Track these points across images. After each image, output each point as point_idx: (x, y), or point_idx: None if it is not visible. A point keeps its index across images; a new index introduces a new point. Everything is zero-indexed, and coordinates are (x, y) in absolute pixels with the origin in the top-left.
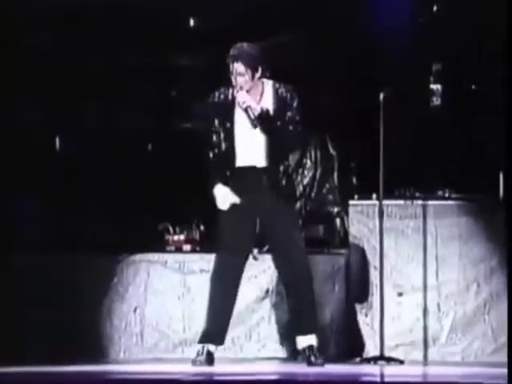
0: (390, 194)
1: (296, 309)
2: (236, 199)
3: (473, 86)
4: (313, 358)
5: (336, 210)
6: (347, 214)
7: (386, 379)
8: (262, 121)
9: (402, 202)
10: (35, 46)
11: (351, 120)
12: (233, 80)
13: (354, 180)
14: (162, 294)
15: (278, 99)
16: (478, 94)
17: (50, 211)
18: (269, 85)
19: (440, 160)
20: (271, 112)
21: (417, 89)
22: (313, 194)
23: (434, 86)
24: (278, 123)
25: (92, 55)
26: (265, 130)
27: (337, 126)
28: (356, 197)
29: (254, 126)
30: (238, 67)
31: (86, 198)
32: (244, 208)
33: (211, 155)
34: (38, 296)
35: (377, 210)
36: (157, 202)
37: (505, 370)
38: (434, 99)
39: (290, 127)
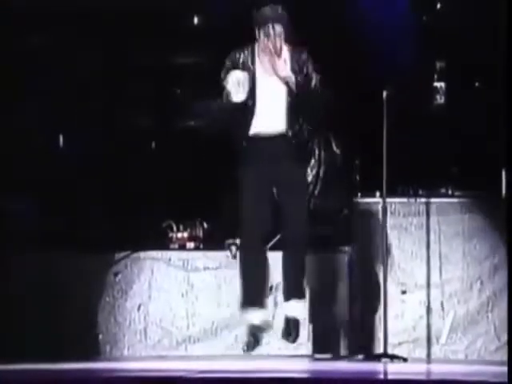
0: (393, 192)
1: (288, 271)
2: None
3: (476, 84)
4: (292, 334)
5: (340, 207)
6: (351, 211)
7: (390, 376)
8: (300, 90)
9: (405, 199)
10: (36, 44)
11: (355, 118)
12: (267, 43)
13: (358, 178)
14: (165, 292)
15: (296, 63)
16: (481, 91)
17: (54, 210)
18: (285, 49)
19: (443, 158)
20: (299, 81)
21: (420, 87)
22: (316, 192)
23: (437, 84)
24: (305, 93)
25: (94, 54)
26: (297, 97)
27: (340, 125)
28: (359, 194)
29: (294, 98)
30: (278, 29)
31: (90, 197)
32: (261, 178)
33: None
34: (41, 294)
35: (380, 207)
36: (160, 199)
37: (505, 368)
38: (438, 97)
39: (315, 92)
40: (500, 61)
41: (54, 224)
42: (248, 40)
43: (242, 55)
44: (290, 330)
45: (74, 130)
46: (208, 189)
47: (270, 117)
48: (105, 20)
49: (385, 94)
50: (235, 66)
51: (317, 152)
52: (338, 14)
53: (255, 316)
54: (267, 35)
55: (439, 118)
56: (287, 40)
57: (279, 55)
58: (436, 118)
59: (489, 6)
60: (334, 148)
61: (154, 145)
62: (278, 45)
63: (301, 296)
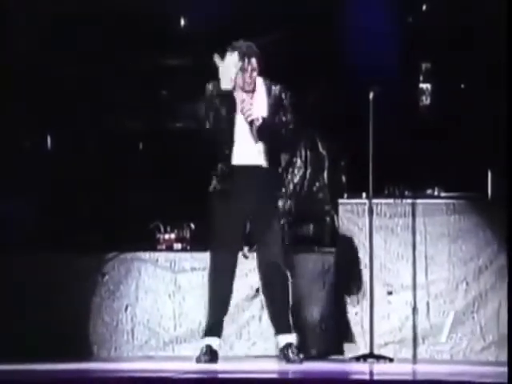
0: (379, 193)
1: (271, 309)
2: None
3: (462, 85)
4: (291, 355)
5: (326, 208)
6: (337, 212)
7: (376, 377)
8: (263, 132)
9: (391, 200)
10: (29, 46)
11: (341, 119)
12: (242, 77)
13: (344, 179)
14: (152, 293)
15: (272, 97)
16: (467, 92)
17: (40, 211)
18: (260, 82)
19: (429, 159)
20: (270, 120)
21: (406, 88)
22: (303, 193)
23: (423, 85)
24: (276, 131)
25: (82, 56)
26: (264, 140)
27: (326, 126)
28: (346, 195)
29: (255, 140)
30: (253, 63)
31: (77, 198)
32: (236, 206)
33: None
34: (28, 295)
35: (366, 208)
36: (148, 200)
37: (497, 369)
38: (424, 98)
39: (284, 129)
40: (485, 61)
41: (40, 225)
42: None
43: (219, 93)
44: (289, 355)
45: (62, 132)
46: (195, 190)
47: (247, 149)
48: (94, 21)
49: (371, 94)
50: (213, 99)
51: (303, 153)
52: (325, 15)
53: (214, 342)
54: (242, 70)
55: (425, 119)
56: (263, 73)
57: (253, 90)
58: (422, 119)
59: (475, 6)
60: (320, 149)
61: (141, 146)
62: (253, 79)
63: (288, 331)
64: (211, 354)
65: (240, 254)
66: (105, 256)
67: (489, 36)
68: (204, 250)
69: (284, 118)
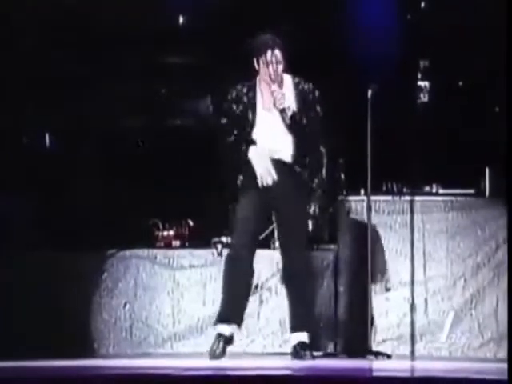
0: (377, 190)
1: (290, 305)
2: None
3: (460, 83)
4: (302, 353)
5: (325, 205)
6: (336, 209)
7: (374, 373)
8: (294, 122)
9: (389, 197)
10: (28, 45)
11: (339, 116)
12: (267, 70)
13: (343, 176)
14: (151, 290)
15: (299, 95)
16: (465, 90)
17: (39, 209)
18: (287, 78)
19: (427, 156)
20: (299, 113)
21: (404, 85)
22: None
23: (421, 83)
24: (304, 122)
25: (82, 53)
26: (292, 129)
27: (325, 123)
28: (344, 193)
29: (288, 128)
30: (278, 55)
31: (75, 195)
32: (258, 197)
33: (227, 146)
34: (28, 292)
35: (365, 205)
36: (146, 198)
37: (496, 365)
38: (422, 96)
39: (313, 125)
40: (484, 59)
41: (38, 223)
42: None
43: (242, 90)
44: (300, 352)
45: (62, 131)
46: (193, 187)
47: (272, 150)
48: (92, 20)
49: (369, 92)
50: (237, 101)
51: None
52: (323, 13)
53: (227, 329)
54: (267, 63)
55: (423, 117)
56: (290, 70)
57: (280, 82)
58: (420, 116)
59: (474, 4)
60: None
61: (140, 143)
62: (279, 71)
63: (304, 330)
64: (224, 343)
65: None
66: (103, 253)
67: (488, 34)
68: (202, 246)
69: (312, 114)
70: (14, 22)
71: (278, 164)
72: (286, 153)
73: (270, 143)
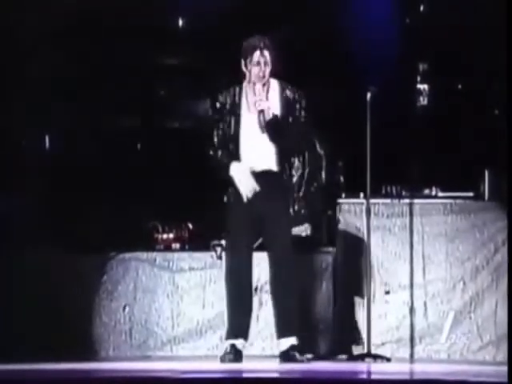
0: (377, 193)
1: (276, 312)
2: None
3: (459, 86)
4: (298, 356)
5: (324, 208)
6: (335, 212)
7: (373, 376)
8: (271, 127)
9: (388, 200)
10: (27, 44)
11: (339, 119)
12: (254, 70)
13: (342, 179)
14: (150, 292)
15: (285, 100)
16: (464, 93)
17: (38, 210)
18: (274, 83)
19: (426, 159)
20: (280, 117)
21: (404, 88)
22: (301, 193)
23: (420, 86)
24: (285, 129)
25: (80, 54)
26: (272, 136)
27: (325, 126)
28: (343, 195)
29: (262, 131)
30: (267, 56)
31: (75, 197)
32: (246, 209)
33: (212, 153)
34: (26, 294)
35: (364, 208)
36: (146, 200)
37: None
38: (421, 99)
39: (296, 132)
40: (483, 62)
41: (39, 225)
42: (233, 41)
43: (228, 95)
44: (295, 356)
45: (61, 131)
46: (193, 189)
47: (257, 154)
48: (91, 20)
49: (369, 95)
50: (220, 112)
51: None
52: (323, 15)
53: (239, 342)
54: (256, 63)
55: (422, 120)
56: (287, 73)
57: (265, 84)
58: (419, 119)
59: (474, 6)
60: (318, 149)
61: (139, 145)
62: (266, 73)
63: (291, 335)
64: (236, 353)
65: None
66: (103, 256)
67: (487, 36)
68: (202, 249)
69: (294, 119)
70: (14, 22)
71: (263, 175)
72: (271, 161)
73: (255, 152)
